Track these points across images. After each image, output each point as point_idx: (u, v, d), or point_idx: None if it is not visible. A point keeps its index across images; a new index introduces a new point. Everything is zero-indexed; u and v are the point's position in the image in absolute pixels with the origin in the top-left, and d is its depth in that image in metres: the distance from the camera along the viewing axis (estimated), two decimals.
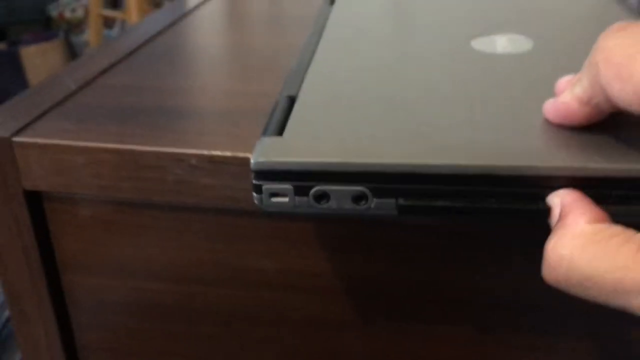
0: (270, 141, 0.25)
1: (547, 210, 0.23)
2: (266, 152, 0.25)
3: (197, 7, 0.55)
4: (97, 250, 0.34)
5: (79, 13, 2.74)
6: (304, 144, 0.25)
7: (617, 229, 0.20)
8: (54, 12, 2.77)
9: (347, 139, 0.25)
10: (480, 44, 0.35)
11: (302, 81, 0.31)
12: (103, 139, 0.31)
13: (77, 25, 2.69)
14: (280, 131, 0.26)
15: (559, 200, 0.23)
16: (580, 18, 0.40)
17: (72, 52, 2.25)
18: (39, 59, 2.06)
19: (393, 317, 0.33)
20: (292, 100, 0.29)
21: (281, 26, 0.49)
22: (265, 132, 0.26)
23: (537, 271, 0.22)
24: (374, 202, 0.24)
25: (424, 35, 0.37)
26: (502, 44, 0.35)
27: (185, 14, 0.52)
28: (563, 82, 0.27)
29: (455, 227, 0.30)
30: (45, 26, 2.75)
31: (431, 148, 0.24)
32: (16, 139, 0.31)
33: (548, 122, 0.26)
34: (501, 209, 0.24)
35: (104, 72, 0.40)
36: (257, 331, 0.35)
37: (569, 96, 0.25)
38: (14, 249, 0.35)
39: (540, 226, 0.23)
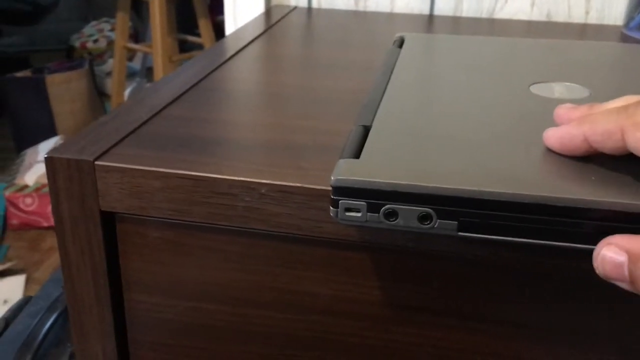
0: (348, 163, 0.29)
1: (580, 234, 0.26)
2: (345, 171, 0.28)
3: (249, 44, 0.58)
4: (162, 270, 0.37)
5: (101, 44, 2.80)
6: (378, 167, 0.28)
7: None
8: (76, 42, 2.84)
9: (416, 165, 0.29)
10: (538, 89, 0.37)
11: (374, 114, 0.34)
12: (179, 166, 0.34)
13: (99, 56, 2.76)
14: (356, 155, 0.30)
15: (615, 248, 0.25)
16: (636, 70, 0.43)
17: (95, 82, 2.30)
18: (63, 87, 2.11)
19: (443, 346, 0.35)
20: (366, 129, 0.32)
21: (336, 70, 0.52)
22: (342, 155, 0.30)
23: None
24: (437, 223, 0.27)
25: (487, 77, 0.40)
26: (560, 90, 0.37)
27: (237, 52, 0.55)
28: (563, 109, 0.31)
29: (505, 262, 0.33)
30: (67, 55, 2.82)
31: (490, 177, 0.27)
32: (98, 162, 0.34)
33: (594, 158, 0.29)
34: (542, 231, 0.27)
35: (169, 104, 0.42)
36: (308, 355, 0.37)
37: (575, 130, 0.28)
38: (83, 265, 0.37)
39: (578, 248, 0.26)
